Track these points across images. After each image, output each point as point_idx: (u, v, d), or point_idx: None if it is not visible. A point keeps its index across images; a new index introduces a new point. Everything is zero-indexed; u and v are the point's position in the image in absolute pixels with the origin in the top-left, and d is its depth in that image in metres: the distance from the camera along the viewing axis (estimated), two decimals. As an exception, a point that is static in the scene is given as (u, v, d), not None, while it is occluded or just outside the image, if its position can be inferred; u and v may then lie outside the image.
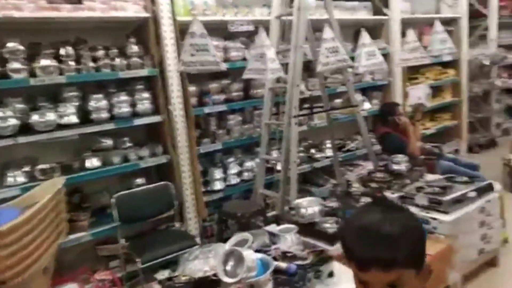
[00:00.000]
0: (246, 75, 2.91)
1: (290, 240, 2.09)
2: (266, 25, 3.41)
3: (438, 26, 3.51)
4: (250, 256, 1.74)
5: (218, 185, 3.38)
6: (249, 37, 3.58)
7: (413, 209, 2.60)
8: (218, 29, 3.39)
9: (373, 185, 2.86)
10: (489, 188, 2.75)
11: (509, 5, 6.17)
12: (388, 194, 2.76)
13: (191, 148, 3.17)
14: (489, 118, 6.15)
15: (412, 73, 5.24)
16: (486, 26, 5.96)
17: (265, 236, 2.21)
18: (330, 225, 2.47)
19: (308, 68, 3.96)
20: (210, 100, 3.40)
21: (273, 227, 2.56)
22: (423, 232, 0.95)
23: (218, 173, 3.40)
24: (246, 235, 2.08)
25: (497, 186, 2.93)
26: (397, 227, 0.88)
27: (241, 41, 3.56)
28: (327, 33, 2.83)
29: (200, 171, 3.30)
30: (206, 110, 3.36)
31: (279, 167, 3.44)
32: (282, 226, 2.31)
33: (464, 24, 5.50)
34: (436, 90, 5.62)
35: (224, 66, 2.75)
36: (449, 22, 5.48)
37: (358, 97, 4.50)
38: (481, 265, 2.71)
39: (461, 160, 3.72)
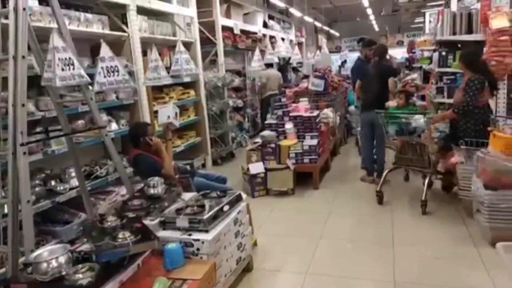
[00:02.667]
0: None
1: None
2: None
3: (181, 47, 3.59)
4: None
5: None
6: None
7: (175, 234, 2.47)
8: None
9: (130, 214, 2.56)
10: (239, 198, 2.94)
11: (230, 35, 7.18)
12: (146, 221, 2.53)
13: None
14: (227, 133, 6.93)
15: (157, 92, 5.27)
16: (216, 52, 6.72)
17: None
18: (83, 276, 2.00)
19: (38, 85, 3.26)
20: None
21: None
22: None
23: None
24: None
25: (244, 195, 3.18)
26: None
27: None
28: (57, 41, 2.36)
29: None
30: None
31: (5, 210, 2.64)
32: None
33: (198, 48, 6.00)
34: (182, 109, 5.86)
35: None
36: (184, 46, 5.83)
37: (103, 117, 4.10)
38: (239, 273, 2.85)
39: (212, 174, 3.92)
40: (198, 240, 2.39)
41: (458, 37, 4.50)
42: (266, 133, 4.97)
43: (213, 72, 6.60)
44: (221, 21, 6.73)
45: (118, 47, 4.49)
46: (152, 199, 2.84)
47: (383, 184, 4.27)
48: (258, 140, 5.13)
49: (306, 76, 10.06)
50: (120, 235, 2.18)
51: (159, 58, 3.27)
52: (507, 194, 2.89)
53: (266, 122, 5.33)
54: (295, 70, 11.59)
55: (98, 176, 4.00)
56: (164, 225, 2.55)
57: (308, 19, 12.70)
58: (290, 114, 5.10)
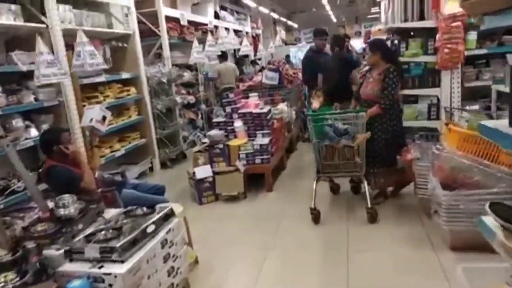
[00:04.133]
0: None
1: None
2: None
3: (83, 37, 3.10)
4: None
5: None
6: None
7: (84, 266, 2.03)
8: None
9: (30, 244, 2.09)
10: (169, 214, 2.52)
11: (176, 27, 6.67)
12: (51, 251, 2.07)
13: None
14: (176, 132, 6.45)
15: (90, 91, 4.71)
16: (160, 45, 6.20)
17: None
18: None
19: None
20: None
21: None
22: None
23: None
24: None
25: (179, 208, 2.78)
26: None
27: None
28: None
29: None
30: None
31: None
32: None
33: (137, 41, 5.46)
34: (121, 108, 5.34)
35: None
36: (121, 38, 5.30)
37: (18, 122, 3.55)
38: (172, 301, 2.44)
39: (146, 184, 3.45)
40: (109, 274, 1.95)
41: (409, 24, 4.27)
42: (214, 132, 4.56)
43: (158, 67, 6.08)
44: (165, 11, 6.21)
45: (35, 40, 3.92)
46: (62, 221, 2.37)
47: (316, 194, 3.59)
48: (206, 140, 4.71)
49: (262, 69, 9.73)
50: (1, 278, 1.72)
51: (45, 51, 2.76)
52: (465, 194, 2.65)
53: (213, 120, 4.92)
54: (253, 63, 11.19)
55: (15, 191, 3.46)
56: (71, 255, 2.09)
57: (263, 9, 12.31)
58: (239, 111, 4.71)
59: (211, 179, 4.31)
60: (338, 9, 16.73)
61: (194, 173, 4.34)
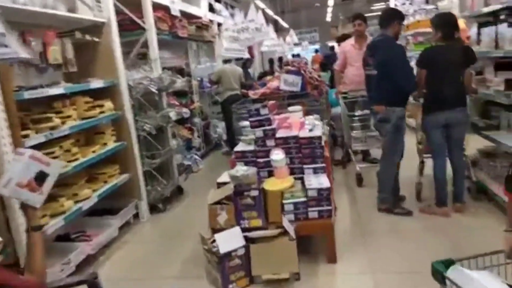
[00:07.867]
0: None
1: None
2: None
3: None
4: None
5: None
6: None
7: None
8: None
9: None
10: None
11: (166, 18, 4.95)
12: None
13: None
14: (169, 160, 4.71)
15: (41, 110, 2.96)
16: (146, 41, 4.48)
17: None
18: None
19: None
20: None
21: None
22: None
23: None
24: None
25: None
26: None
27: None
28: None
29: None
30: None
31: None
32: None
33: (114, 34, 3.72)
34: (91, 134, 3.59)
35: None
36: (90, 30, 3.55)
37: None
38: None
39: None
40: None
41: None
42: (242, 170, 2.85)
43: (144, 71, 4.36)
44: (151, -5, 4.49)
45: None
46: None
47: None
48: (225, 179, 3.03)
49: (265, 74, 8.11)
50: None
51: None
52: None
53: (236, 149, 3.22)
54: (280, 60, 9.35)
55: None
56: None
57: (260, 4, 10.71)
58: (277, 135, 3.06)
59: (243, 250, 2.63)
60: (334, 7, 15.37)
61: (213, 241, 2.64)
